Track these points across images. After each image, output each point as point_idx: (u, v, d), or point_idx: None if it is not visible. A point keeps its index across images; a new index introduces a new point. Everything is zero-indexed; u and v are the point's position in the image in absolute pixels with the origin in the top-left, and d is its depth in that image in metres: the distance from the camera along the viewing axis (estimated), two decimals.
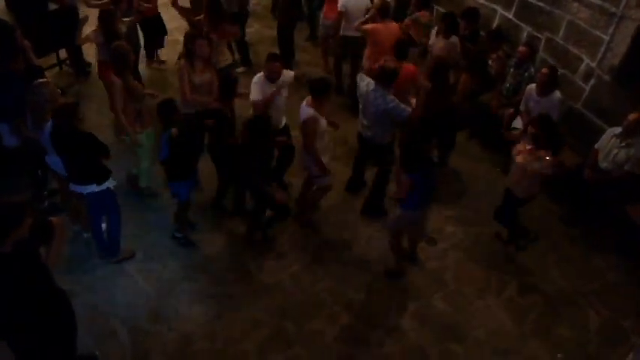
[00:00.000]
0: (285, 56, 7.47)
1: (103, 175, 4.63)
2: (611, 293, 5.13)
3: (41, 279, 3.52)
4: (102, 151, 4.51)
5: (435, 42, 6.61)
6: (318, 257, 5.27)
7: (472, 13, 6.55)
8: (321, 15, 7.73)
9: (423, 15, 6.96)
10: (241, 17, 7.59)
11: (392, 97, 5.02)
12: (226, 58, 6.35)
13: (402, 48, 5.67)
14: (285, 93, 5.39)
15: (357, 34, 6.72)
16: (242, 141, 4.76)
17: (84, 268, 4.97)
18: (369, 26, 6.48)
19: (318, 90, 4.86)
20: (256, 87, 5.25)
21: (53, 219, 3.63)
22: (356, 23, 6.68)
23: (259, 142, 4.63)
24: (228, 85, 5.35)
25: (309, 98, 4.91)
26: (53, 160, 4.77)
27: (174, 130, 4.63)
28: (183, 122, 4.77)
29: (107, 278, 4.92)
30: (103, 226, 4.99)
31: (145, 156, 5.45)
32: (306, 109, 4.87)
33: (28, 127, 4.84)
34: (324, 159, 5.09)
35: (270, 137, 4.82)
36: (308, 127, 4.88)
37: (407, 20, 6.90)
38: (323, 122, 4.96)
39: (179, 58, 5.84)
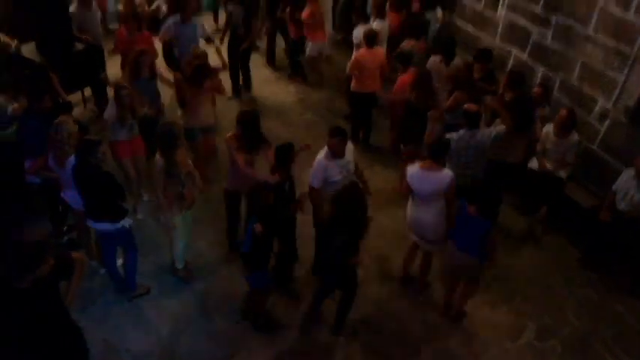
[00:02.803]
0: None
1: (119, 214, 4.70)
2: (631, 339, 5.00)
3: (58, 314, 3.56)
4: (118, 193, 4.62)
5: (441, 70, 6.67)
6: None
7: (485, 55, 6.64)
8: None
9: (407, 44, 7.19)
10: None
11: (484, 130, 5.45)
12: None
13: (405, 59, 6.59)
14: (351, 170, 5.00)
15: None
16: (330, 215, 4.30)
17: (98, 304, 5.02)
18: (355, 54, 7.06)
19: (437, 151, 4.76)
20: (319, 168, 4.79)
21: (74, 254, 3.70)
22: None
23: (349, 216, 4.18)
24: (284, 153, 4.75)
25: (427, 164, 4.71)
26: (70, 196, 4.90)
27: (257, 227, 4.28)
28: (268, 210, 4.38)
29: (121, 314, 4.95)
30: (120, 261, 5.07)
31: (180, 237, 5.06)
32: (443, 175, 4.67)
33: (48, 164, 4.95)
34: None
35: (363, 210, 4.26)
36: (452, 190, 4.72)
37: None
38: None
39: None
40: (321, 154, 4.87)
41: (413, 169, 4.81)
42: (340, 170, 4.84)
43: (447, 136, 5.34)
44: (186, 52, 6.63)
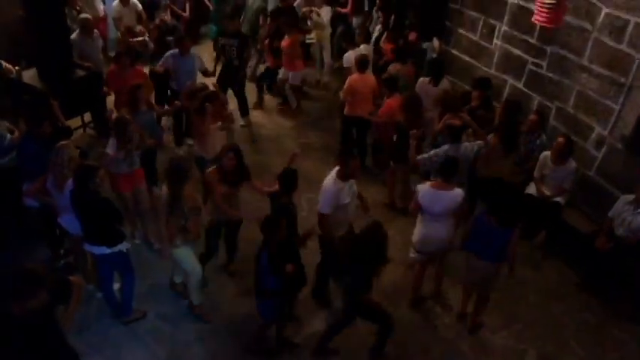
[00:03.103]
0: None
1: (116, 238, 4.69)
2: None
3: (55, 338, 3.51)
4: (116, 217, 4.64)
5: (429, 90, 6.86)
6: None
7: (482, 83, 6.75)
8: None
9: (393, 68, 7.37)
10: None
11: (467, 142, 5.72)
12: None
13: (392, 83, 6.77)
14: (356, 191, 4.96)
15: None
16: (348, 253, 4.26)
17: (94, 329, 4.95)
18: (348, 80, 7.12)
19: (447, 170, 4.90)
20: (331, 194, 4.67)
21: (72, 278, 3.67)
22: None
23: (369, 256, 4.14)
24: (289, 178, 4.79)
25: (438, 183, 4.89)
26: (67, 220, 4.88)
27: (289, 267, 4.28)
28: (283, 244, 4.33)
29: (117, 339, 4.88)
30: (117, 285, 5.02)
31: (190, 269, 4.93)
32: (455, 193, 4.83)
33: (47, 187, 4.94)
34: None
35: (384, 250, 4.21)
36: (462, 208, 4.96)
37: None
38: None
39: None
40: (329, 180, 4.74)
41: (424, 189, 4.88)
42: (349, 192, 4.79)
43: (432, 152, 5.65)
44: (184, 85, 6.73)
